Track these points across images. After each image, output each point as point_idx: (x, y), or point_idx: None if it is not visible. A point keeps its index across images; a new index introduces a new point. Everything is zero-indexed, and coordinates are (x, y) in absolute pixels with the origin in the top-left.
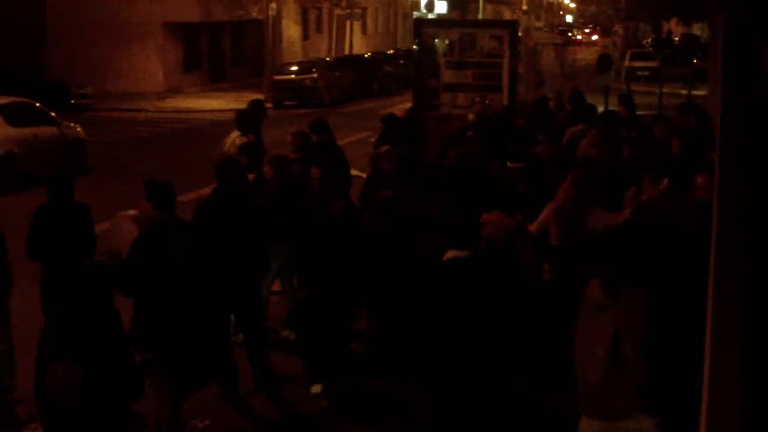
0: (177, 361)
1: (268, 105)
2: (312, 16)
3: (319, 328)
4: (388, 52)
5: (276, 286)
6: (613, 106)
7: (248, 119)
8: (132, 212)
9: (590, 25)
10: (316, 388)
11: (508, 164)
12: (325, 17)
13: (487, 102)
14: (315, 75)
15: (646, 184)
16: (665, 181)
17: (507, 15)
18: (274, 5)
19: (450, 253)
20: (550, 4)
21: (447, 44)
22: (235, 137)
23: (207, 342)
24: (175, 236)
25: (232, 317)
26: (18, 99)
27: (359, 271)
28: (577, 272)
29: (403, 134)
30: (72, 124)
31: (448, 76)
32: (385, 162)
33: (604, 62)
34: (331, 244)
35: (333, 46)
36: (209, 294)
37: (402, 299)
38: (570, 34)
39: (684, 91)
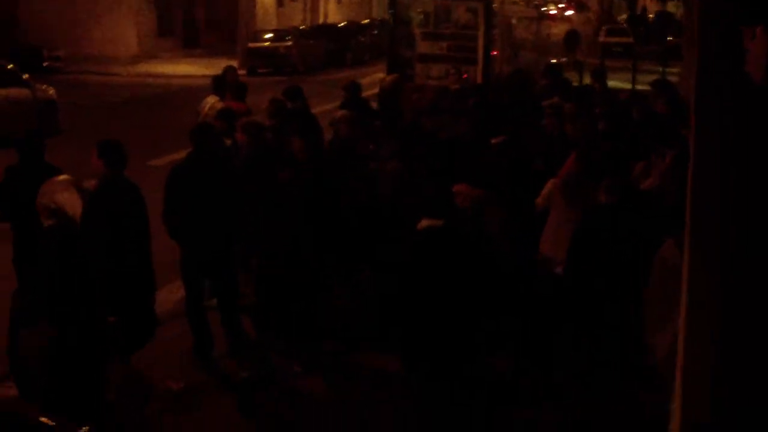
0: (129, 320)
1: (242, 72)
2: None
3: (289, 298)
4: (363, 22)
5: None
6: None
7: (224, 84)
8: (67, 177)
9: (565, 0)
10: (245, 374)
11: (492, 140)
12: None
13: (464, 76)
14: (289, 43)
15: (653, 159)
16: (669, 155)
17: None
18: None
19: (424, 222)
20: None
21: (422, 15)
22: (213, 102)
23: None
24: (126, 195)
25: (206, 282)
26: None
27: (331, 238)
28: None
29: (363, 102)
30: (44, 86)
31: (422, 47)
32: (343, 126)
33: (572, 39)
34: (303, 212)
35: (307, 15)
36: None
37: (382, 271)
38: (544, 8)
39: (659, 68)
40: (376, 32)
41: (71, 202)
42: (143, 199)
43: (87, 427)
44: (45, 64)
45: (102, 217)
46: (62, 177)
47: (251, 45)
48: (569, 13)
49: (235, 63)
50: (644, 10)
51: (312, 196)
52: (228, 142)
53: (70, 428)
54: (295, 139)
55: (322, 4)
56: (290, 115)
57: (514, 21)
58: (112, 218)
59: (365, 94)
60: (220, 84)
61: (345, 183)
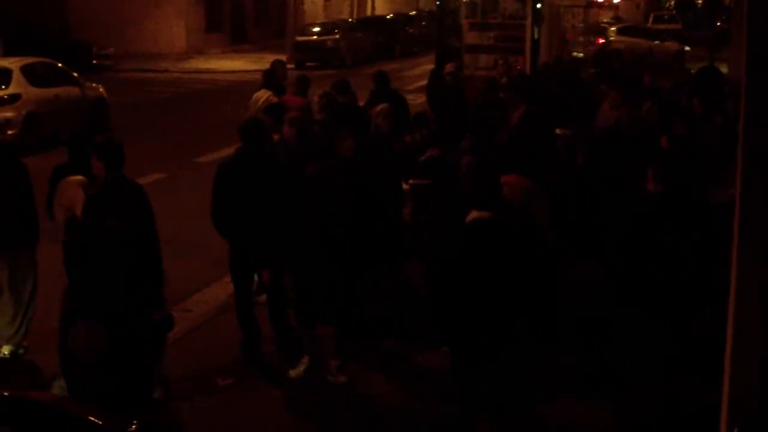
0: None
1: (290, 66)
2: None
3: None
4: (410, 13)
5: None
6: None
7: (275, 79)
8: (79, 178)
9: None
10: (296, 372)
11: (558, 131)
12: None
13: (518, 67)
14: (337, 36)
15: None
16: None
17: None
18: None
19: (473, 214)
20: None
21: (469, 5)
22: (267, 96)
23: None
24: (127, 196)
25: (255, 277)
26: (40, 59)
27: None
28: None
29: (391, 93)
30: (94, 85)
31: (470, 37)
32: (381, 119)
33: None
34: (336, 206)
35: (355, 8)
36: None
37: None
38: None
39: (581, 54)
40: (424, 23)
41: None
42: (147, 197)
43: (135, 425)
44: (94, 61)
45: (102, 219)
46: (74, 178)
47: (299, 39)
48: (617, 0)
49: (283, 57)
50: None
51: (349, 190)
52: (276, 137)
53: (117, 426)
54: (347, 138)
55: None
56: (340, 109)
57: (561, 9)
58: (114, 219)
59: (414, 85)
60: (271, 79)
61: (383, 177)
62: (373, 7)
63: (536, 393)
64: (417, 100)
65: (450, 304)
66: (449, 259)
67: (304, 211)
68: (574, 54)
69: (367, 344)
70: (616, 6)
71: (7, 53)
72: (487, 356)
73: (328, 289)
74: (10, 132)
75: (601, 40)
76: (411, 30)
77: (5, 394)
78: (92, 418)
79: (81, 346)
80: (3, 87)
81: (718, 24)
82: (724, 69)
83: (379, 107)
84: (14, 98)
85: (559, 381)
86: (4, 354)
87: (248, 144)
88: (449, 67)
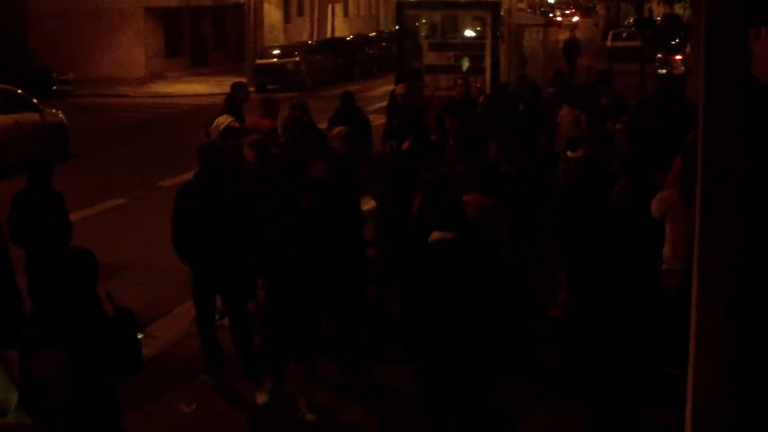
0: None
1: (251, 89)
2: None
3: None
4: (370, 34)
5: None
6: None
7: (237, 103)
8: None
9: (571, 6)
10: (262, 397)
11: (569, 153)
12: (306, 0)
13: (478, 86)
14: (297, 59)
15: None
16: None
17: None
18: None
19: (435, 235)
20: None
21: (429, 26)
22: (230, 122)
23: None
24: None
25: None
26: None
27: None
28: None
29: (355, 113)
30: (54, 111)
31: (430, 58)
32: (337, 142)
33: (572, 49)
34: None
35: (315, 30)
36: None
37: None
38: (551, 14)
39: (664, 71)
40: (384, 45)
41: None
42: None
43: None
44: (54, 87)
45: None
46: None
47: (259, 62)
48: (576, 19)
49: (243, 80)
50: (651, 12)
51: (334, 215)
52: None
53: None
54: (318, 161)
55: (329, 18)
56: (304, 130)
57: (521, 29)
58: None
59: (375, 106)
60: (233, 103)
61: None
62: (333, 29)
63: (514, 409)
64: (377, 121)
65: (420, 325)
66: (417, 281)
67: (288, 239)
68: (659, 71)
69: (336, 367)
70: (575, 24)
71: None
72: (460, 372)
73: (303, 319)
74: None
75: (678, 57)
76: (371, 51)
77: None
78: None
79: (47, 375)
80: None
81: (677, 40)
82: None
83: (336, 130)
84: None
85: (539, 397)
86: None
87: (205, 167)
88: (399, 89)
